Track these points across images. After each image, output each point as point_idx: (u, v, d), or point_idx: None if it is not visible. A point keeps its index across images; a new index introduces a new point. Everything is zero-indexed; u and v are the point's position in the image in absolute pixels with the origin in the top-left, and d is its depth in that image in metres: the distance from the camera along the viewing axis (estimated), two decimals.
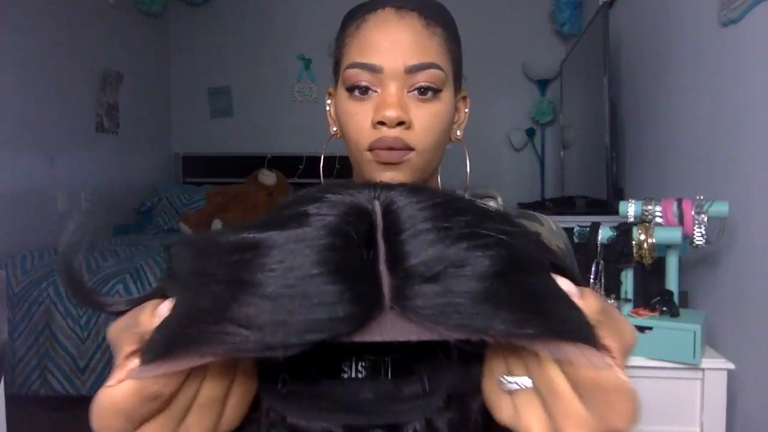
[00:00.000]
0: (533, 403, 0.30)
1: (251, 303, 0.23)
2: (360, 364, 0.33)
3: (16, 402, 1.90)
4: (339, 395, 0.31)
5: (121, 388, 0.30)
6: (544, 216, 0.73)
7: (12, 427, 1.45)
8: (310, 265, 0.23)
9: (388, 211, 0.25)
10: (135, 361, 0.31)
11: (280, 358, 0.23)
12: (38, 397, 2.13)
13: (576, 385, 0.28)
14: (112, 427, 0.30)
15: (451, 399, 0.29)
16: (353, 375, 0.33)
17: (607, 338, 0.29)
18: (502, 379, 0.30)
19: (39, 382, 2.13)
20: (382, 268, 0.23)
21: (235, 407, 0.33)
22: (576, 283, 0.29)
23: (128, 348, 0.32)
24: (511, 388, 0.30)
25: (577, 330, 0.25)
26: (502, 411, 0.31)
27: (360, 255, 0.23)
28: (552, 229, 0.71)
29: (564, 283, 0.28)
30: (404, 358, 0.31)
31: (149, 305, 0.32)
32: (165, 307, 0.31)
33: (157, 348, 0.28)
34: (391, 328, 0.23)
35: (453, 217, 0.25)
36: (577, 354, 0.25)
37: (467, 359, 0.28)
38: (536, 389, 0.29)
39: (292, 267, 0.23)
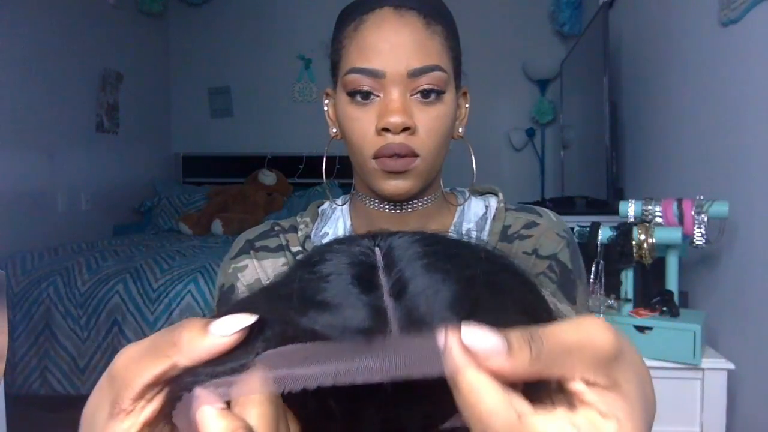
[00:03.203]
0: None
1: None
2: None
3: (16, 402, 1.90)
4: None
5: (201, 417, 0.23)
6: (543, 208, 0.73)
7: (12, 427, 1.45)
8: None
9: (387, 252, 0.28)
10: (158, 401, 0.25)
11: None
12: (38, 397, 2.13)
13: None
14: None
15: None
16: None
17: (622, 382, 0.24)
18: None
19: (39, 382, 2.13)
20: (387, 297, 0.26)
21: None
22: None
23: (151, 375, 0.24)
24: None
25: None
26: None
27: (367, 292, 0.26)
28: (551, 219, 0.71)
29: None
30: None
31: (191, 320, 0.25)
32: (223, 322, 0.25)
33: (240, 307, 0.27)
34: (394, 355, 0.24)
35: (435, 246, 0.29)
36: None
37: None
38: None
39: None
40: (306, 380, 0.24)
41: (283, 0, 3.84)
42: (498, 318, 0.25)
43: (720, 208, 1.33)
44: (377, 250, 0.28)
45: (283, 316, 0.26)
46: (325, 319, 0.25)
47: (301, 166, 3.67)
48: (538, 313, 0.29)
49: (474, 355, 0.23)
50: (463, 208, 0.73)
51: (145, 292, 2.17)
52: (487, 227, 0.71)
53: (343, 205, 0.76)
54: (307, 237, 0.72)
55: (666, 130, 1.90)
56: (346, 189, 0.80)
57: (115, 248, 2.56)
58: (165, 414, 0.25)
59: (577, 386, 0.24)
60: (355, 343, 0.24)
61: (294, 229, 0.74)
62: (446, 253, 0.29)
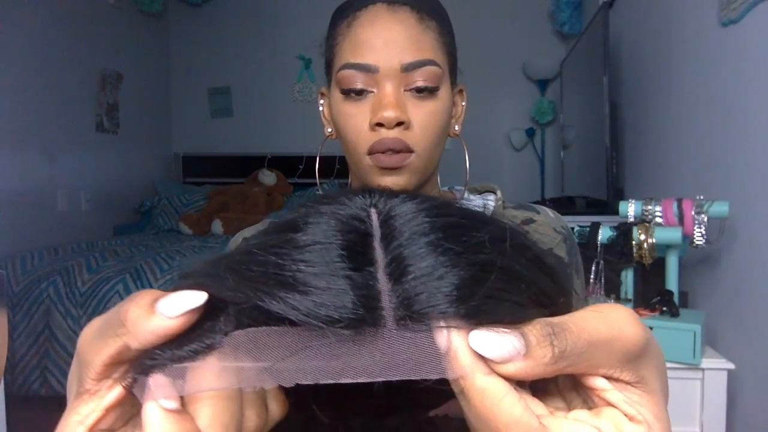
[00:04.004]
0: None
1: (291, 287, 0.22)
2: None
3: (16, 402, 1.90)
4: None
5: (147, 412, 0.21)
6: (542, 206, 0.73)
7: (12, 427, 1.45)
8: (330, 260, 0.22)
9: (386, 219, 0.23)
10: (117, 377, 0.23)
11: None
12: (38, 397, 2.13)
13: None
14: None
15: None
16: None
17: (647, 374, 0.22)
18: None
19: (39, 382, 2.13)
20: (381, 277, 0.22)
21: None
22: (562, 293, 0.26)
23: (106, 356, 0.23)
24: None
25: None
26: None
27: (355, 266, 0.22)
28: (549, 215, 0.71)
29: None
30: None
31: (141, 295, 0.23)
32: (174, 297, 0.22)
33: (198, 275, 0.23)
34: (385, 353, 0.21)
35: (444, 219, 0.24)
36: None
37: None
38: None
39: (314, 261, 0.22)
40: (274, 376, 0.21)
41: (283, 0, 3.84)
42: (514, 313, 0.22)
43: (720, 208, 1.33)
44: (374, 214, 0.24)
45: (251, 295, 0.22)
46: (303, 305, 0.21)
47: (301, 166, 3.67)
48: (559, 306, 0.25)
49: (485, 358, 0.20)
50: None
51: None
52: None
53: None
54: None
55: (666, 130, 1.90)
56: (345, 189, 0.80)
57: (115, 248, 2.56)
58: (131, 396, 0.23)
59: (597, 382, 0.22)
60: (339, 335, 0.21)
61: None
62: (458, 229, 0.24)
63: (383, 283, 0.21)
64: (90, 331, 0.24)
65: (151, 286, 2.18)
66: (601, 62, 2.09)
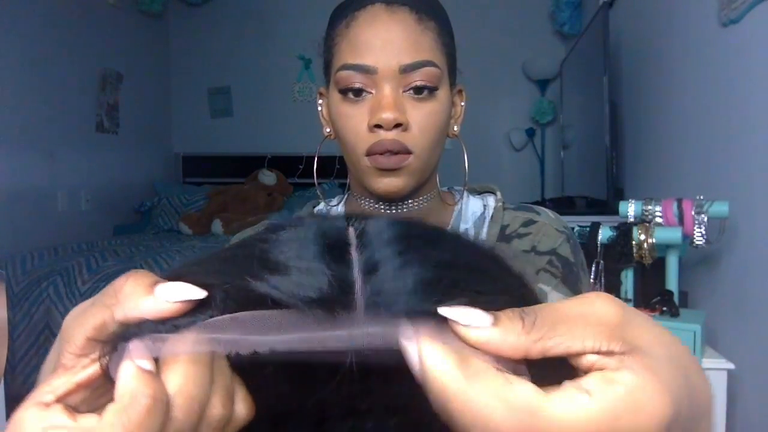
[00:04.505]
0: None
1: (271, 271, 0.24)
2: None
3: (16, 402, 1.90)
4: None
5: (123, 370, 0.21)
6: (542, 207, 0.73)
7: None
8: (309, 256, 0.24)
9: (361, 233, 0.26)
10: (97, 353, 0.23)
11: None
12: None
13: None
14: None
15: None
16: None
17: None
18: None
19: None
20: (355, 271, 0.24)
21: None
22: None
23: (90, 327, 0.23)
24: None
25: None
26: None
27: (335, 260, 0.24)
28: (550, 216, 0.71)
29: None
30: None
31: (139, 274, 0.24)
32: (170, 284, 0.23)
33: (181, 272, 0.24)
34: (358, 332, 0.22)
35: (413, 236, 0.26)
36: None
37: None
38: None
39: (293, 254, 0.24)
40: (251, 345, 0.22)
41: (283, 0, 3.84)
42: (482, 304, 0.22)
43: (720, 208, 1.33)
44: (351, 230, 0.26)
45: (237, 279, 0.23)
46: (283, 284, 0.23)
47: (301, 166, 3.67)
48: (523, 298, 0.25)
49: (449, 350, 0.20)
50: (461, 208, 0.73)
51: None
52: (485, 227, 0.70)
53: (337, 205, 0.75)
54: None
55: (666, 130, 1.90)
56: (345, 189, 0.80)
57: (115, 248, 2.56)
58: (107, 380, 0.23)
59: (589, 359, 0.21)
60: (315, 313, 0.22)
61: None
62: (425, 238, 0.26)
63: (358, 276, 0.24)
64: (76, 309, 0.25)
65: None
66: (601, 62, 2.09)
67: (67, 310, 1.56)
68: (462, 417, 0.20)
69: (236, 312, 0.23)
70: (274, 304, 0.23)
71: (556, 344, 0.21)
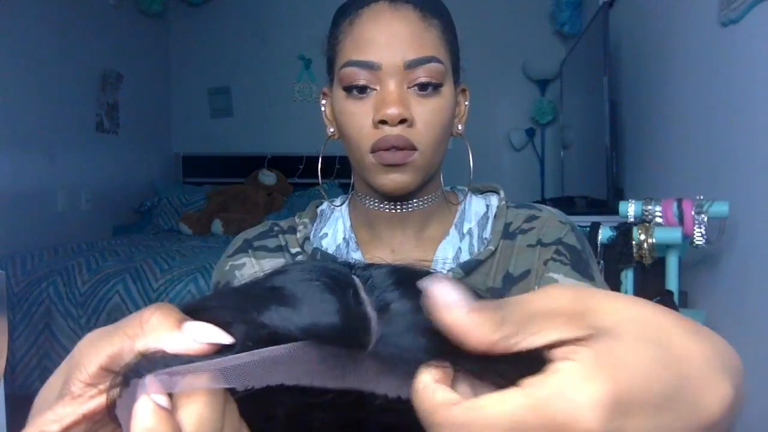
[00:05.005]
0: None
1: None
2: None
3: (16, 402, 1.90)
4: None
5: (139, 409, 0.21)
6: (540, 204, 0.73)
7: (12, 427, 1.45)
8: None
9: (366, 279, 0.26)
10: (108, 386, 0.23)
11: None
12: None
13: None
14: None
15: None
16: None
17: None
18: None
19: (39, 382, 2.13)
20: (370, 311, 0.24)
21: None
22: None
23: (106, 355, 0.23)
24: None
25: None
26: None
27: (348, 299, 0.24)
28: (551, 211, 0.71)
29: None
30: None
31: (166, 309, 0.24)
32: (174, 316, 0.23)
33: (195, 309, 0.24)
34: (368, 373, 0.23)
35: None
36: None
37: None
38: None
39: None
40: (265, 379, 0.22)
41: (283, 0, 3.84)
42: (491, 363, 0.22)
43: (720, 208, 1.33)
44: (355, 278, 0.26)
45: (252, 314, 0.23)
46: (299, 318, 0.23)
47: (301, 166, 3.67)
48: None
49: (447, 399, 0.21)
50: (464, 207, 0.73)
51: (146, 292, 2.17)
52: (489, 226, 0.70)
53: (341, 205, 0.75)
54: (306, 238, 0.71)
55: (666, 129, 1.90)
56: (346, 189, 0.80)
57: (115, 248, 2.56)
58: (112, 414, 0.23)
59: (558, 352, 0.21)
60: (332, 346, 0.22)
61: (293, 230, 0.73)
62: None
63: (372, 313, 0.23)
64: (92, 334, 0.24)
65: (151, 286, 2.18)
66: (601, 62, 2.09)
67: (67, 310, 1.57)
68: None
69: (252, 349, 0.22)
70: (289, 339, 0.22)
71: (518, 342, 0.21)
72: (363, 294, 0.25)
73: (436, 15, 0.63)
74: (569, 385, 0.19)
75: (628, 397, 0.19)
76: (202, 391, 0.22)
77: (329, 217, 0.75)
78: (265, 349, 0.22)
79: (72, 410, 0.23)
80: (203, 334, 0.22)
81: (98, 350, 0.23)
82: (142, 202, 3.51)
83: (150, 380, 0.22)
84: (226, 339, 0.22)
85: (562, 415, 0.19)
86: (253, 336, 0.23)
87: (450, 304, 0.21)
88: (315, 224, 0.74)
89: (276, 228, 0.73)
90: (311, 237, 0.72)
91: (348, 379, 0.22)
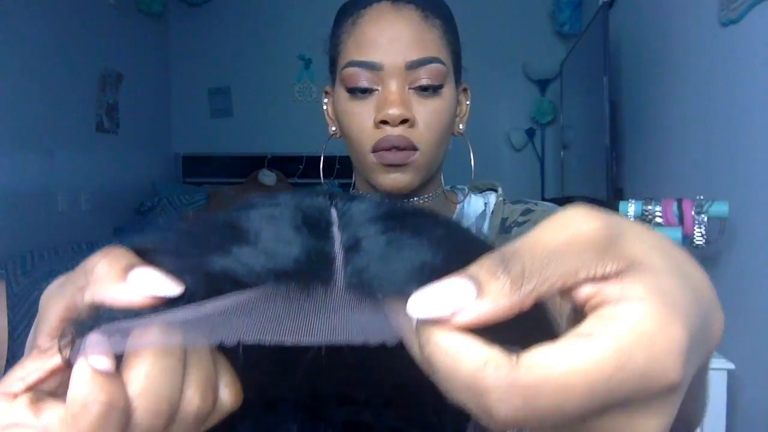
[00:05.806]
0: None
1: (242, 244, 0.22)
2: None
3: None
4: None
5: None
6: (537, 200, 0.73)
7: None
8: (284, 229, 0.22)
9: (344, 213, 0.24)
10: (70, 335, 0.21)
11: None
12: None
13: None
14: None
15: None
16: None
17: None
18: None
19: None
20: (337, 245, 0.22)
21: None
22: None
23: (61, 307, 0.22)
24: None
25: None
26: None
27: (316, 235, 0.22)
28: (546, 204, 0.71)
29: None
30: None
31: (115, 254, 0.22)
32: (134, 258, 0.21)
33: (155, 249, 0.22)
34: (336, 305, 0.20)
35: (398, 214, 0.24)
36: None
37: None
38: None
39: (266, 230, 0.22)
40: (221, 333, 0.20)
41: (283, 0, 3.84)
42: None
43: (720, 208, 1.33)
44: (333, 210, 0.24)
45: (204, 256, 0.21)
46: (252, 256, 0.20)
47: (301, 166, 3.67)
48: None
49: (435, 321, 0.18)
50: (463, 206, 0.73)
51: None
52: (486, 223, 0.71)
53: None
54: None
55: (666, 130, 1.90)
56: (346, 189, 0.80)
57: None
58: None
59: (585, 291, 0.18)
60: (288, 288, 0.20)
61: None
62: (414, 223, 0.24)
63: (339, 250, 0.21)
64: (52, 285, 0.23)
65: None
66: (601, 62, 2.09)
67: None
68: (476, 402, 0.17)
69: (207, 296, 0.20)
70: (242, 281, 0.20)
71: (551, 287, 0.18)
72: (335, 229, 0.22)
73: (438, 15, 0.63)
74: (649, 330, 0.16)
75: (692, 339, 0.17)
76: (151, 349, 0.20)
77: None
78: (219, 297, 0.20)
79: (38, 366, 0.21)
80: (148, 285, 0.20)
81: (56, 301, 0.22)
82: (143, 203, 3.51)
83: (93, 338, 0.20)
84: (173, 289, 0.20)
85: (644, 367, 0.16)
86: (207, 283, 0.21)
87: (455, 308, 0.18)
88: None
89: None
90: None
91: (317, 331, 0.20)
